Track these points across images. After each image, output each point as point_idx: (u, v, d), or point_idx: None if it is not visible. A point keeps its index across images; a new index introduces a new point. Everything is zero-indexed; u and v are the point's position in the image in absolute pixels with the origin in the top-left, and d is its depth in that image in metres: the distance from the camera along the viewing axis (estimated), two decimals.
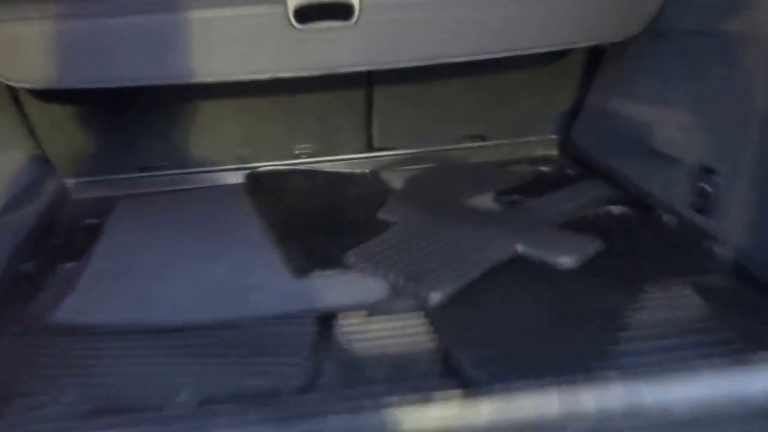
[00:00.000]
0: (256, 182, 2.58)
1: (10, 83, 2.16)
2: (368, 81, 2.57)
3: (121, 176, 2.61)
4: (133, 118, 2.57)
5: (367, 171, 2.66)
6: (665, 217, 2.07)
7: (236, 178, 2.63)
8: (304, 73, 2.16)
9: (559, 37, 2.24)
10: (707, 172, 1.94)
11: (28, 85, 2.19)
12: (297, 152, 2.68)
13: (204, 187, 2.63)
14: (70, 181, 2.60)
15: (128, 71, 2.09)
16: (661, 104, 2.17)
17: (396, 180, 2.53)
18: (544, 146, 2.76)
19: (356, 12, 2.04)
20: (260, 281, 1.78)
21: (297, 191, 2.46)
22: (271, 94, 2.55)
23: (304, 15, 2.03)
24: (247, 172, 2.64)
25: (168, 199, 2.51)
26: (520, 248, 1.86)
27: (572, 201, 2.20)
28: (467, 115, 2.69)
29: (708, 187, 1.94)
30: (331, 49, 2.11)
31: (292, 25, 2.03)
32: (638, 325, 1.55)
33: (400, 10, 2.10)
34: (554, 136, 2.76)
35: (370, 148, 2.71)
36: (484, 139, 2.72)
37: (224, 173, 2.66)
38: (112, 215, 2.32)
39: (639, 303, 1.62)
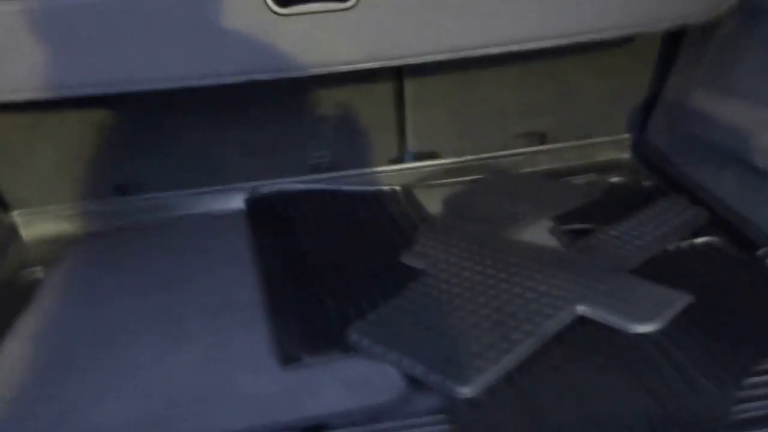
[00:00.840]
0: (258, 209, 2.10)
1: None
2: (397, 73, 2.14)
3: (86, 202, 2.10)
4: (100, 128, 2.08)
5: (398, 187, 2.17)
6: None
7: (235, 201, 2.15)
8: (288, 74, 1.76)
9: (623, 19, 1.81)
10: None
11: None
12: (312, 162, 2.23)
13: (190, 215, 2.13)
14: (18, 214, 2.10)
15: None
16: (761, 104, 1.72)
17: (431, 200, 2.05)
18: (614, 148, 2.30)
19: None
20: (233, 379, 1.36)
21: (307, 222, 2.01)
22: (279, 92, 2.08)
23: None
24: (248, 195, 2.15)
25: (138, 237, 2.02)
26: (581, 309, 1.44)
27: (649, 230, 1.75)
28: (521, 110, 2.25)
29: None
30: (323, 41, 1.72)
31: (271, 10, 1.65)
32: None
33: None
34: (627, 136, 2.30)
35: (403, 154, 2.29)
36: (543, 138, 2.28)
37: (219, 195, 2.16)
38: (58, 266, 1.88)
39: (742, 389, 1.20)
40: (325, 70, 1.78)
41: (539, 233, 1.82)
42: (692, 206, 1.84)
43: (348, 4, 1.68)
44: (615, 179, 2.13)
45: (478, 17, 1.77)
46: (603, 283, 1.50)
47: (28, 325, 1.62)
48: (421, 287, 1.58)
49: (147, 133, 2.10)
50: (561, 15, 1.78)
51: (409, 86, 2.16)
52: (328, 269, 1.73)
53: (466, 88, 2.20)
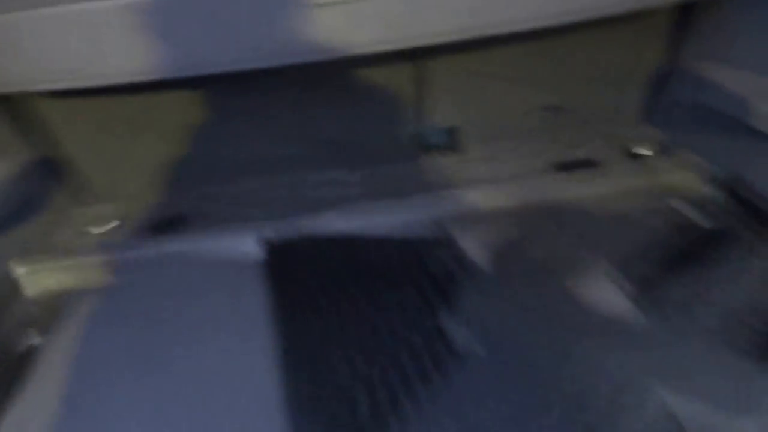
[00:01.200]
0: (277, 254, 1.90)
1: None
2: (417, 54, 2.24)
3: (90, 253, 2.03)
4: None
5: (432, 225, 1.94)
6: None
7: (252, 242, 1.97)
8: (320, 57, 1.87)
9: None
10: None
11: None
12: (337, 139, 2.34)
13: (202, 258, 1.94)
14: (21, 269, 1.99)
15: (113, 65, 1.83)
16: (761, 72, 1.79)
17: (471, 239, 1.82)
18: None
19: None
20: None
21: (329, 275, 1.78)
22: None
23: None
24: (267, 236, 1.99)
25: (145, 289, 1.83)
26: (668, 401, 1.19)
27: (737, 285, 1.49)
28: (538, 84, 2.34)
29: None
30: (350, 26, 1.83)
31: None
32: None
33: None
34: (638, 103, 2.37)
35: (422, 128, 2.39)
36: (560, 108, 2.37)
37: (235, 234, 1.99)
38: (57, 326, 1.75)
39: None
40: (355, 52, 1.90)
41: (601, 290, 1.57)
42: None
43: None
44: (677, 204, 1.89)
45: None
46: (689, 363, 1.27)
47: (29, 394, 1.52)
48: (469, 371, 1.34)
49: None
50: None
51: (430, 65, 2.26)
52: (355, 346, 1.51)
53: (480, 64, 2.28)
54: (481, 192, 1.97)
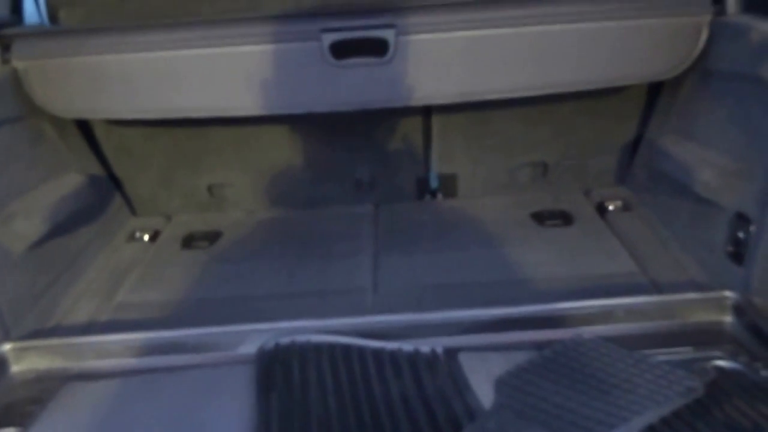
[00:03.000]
0: (269, 364, 1.70)
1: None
2: (426, 111, 2.64)
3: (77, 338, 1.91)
4: None
5: (439, 349, 1.73)
6: None
7: (249, 346, 1.81)
8: (340, 108, 2.26)
9: (604, 75, 2.25)
10: (742, 219, 1.92)
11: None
12: (357, 177, 2.74)
13: (193, 364, 1.78)
14: (8, 347, 1.84)
15: (170, 102, 2.23)
16: (705, 146, 2.15)
17: (480, 376, 1.60)
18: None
19: (391, 48, 2.14)
20: None
21: (321, 393, 1.59)
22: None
23: (339, 51, 2.15)
24: (263, 343, 1.79)
25: (126, 389, 1.68)
26: None
27: None
28: (526, 143, 2.72)
29: (742, 235, 1.92)
30: (367, 85, 2.19)
31: (328, 60, 2.15)
32: None
33: (436, 46, 2.16)
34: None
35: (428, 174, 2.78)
36: (544, 166, 2.74)
37: (231, 336, 1.84)
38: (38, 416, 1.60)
39: None
40: (365, 107, 2.28)
41: None
42: None
43: (385, 59, 2.17)
44: (720, 361, 1.62)
45: (483, 69, 2.23)
46: None
47: None
48: None
49: None
50: (548, 69, 2.23)
51: (435, 121, 2.66)
52: None
53: (480, 123, 2.67)
54: (490, 312, 1.85)
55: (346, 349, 1.74)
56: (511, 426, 1.39)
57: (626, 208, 2.58)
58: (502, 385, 1.53)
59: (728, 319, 1.82)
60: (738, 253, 1.94)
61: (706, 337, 1.76)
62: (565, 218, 2.56)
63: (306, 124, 2.64)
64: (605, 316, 1.84)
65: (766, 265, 1.82)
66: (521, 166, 2.76)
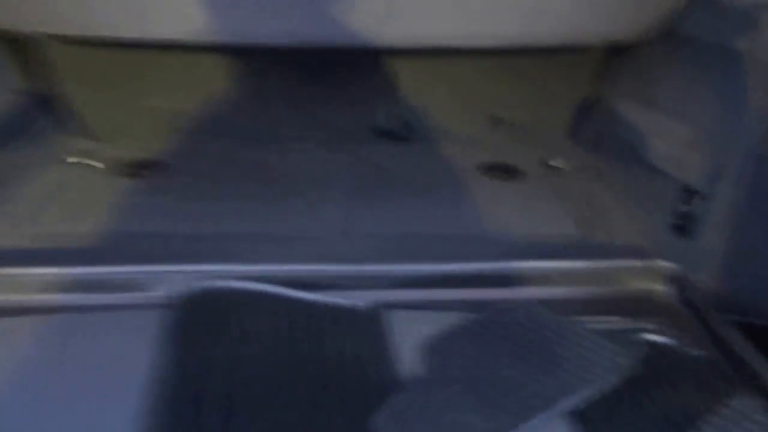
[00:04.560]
0: (189, 308, 1.60)
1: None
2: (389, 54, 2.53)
3: None
4: None
5: (374, 308, 1.66)
6: None
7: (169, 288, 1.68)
8: (293, 43, 2.12)
9: (558, 30, 2.15)
10: (692, 193, 1.88)
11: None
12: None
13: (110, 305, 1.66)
14: None
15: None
16: (662, 114, 2.10)
17: (412, 339, 1.53)
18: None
19: None
20: None
21: (243, 341, 1.50)
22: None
23: None
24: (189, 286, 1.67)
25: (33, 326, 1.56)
26: None
27: None
28: (479, 94, 2.64)
29: (690, 209, 1.89)
30: (318, 20, 2.04)
31: None
32: None
33: None
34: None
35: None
36: (496, 118, 2.66)
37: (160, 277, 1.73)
38: None
39: None
40: (320, 44, 2.14)
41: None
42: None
43: None
44: (653, 335, 1.60)
45: (436, 14, 2.09)
46: None
47: None
48: None
49: None
50: (501, 20, 2.10)
51: (389, 65, 2.55)
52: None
53: (434, 70, 2.57)
54: (425, 268, 1.81)
55: (272, 298, 1.64)
56: (439, 397, 1.34)
57: (574, 167, 2.53)
58: (433, 350, 1.49)
59: (664, 289, 1.81)
60: (682, 227, 1.90)
61: (641, 306, 1.75)
62: (511, 172, 2.49)
63: (256, 57, 2.52)
64: (541, 278, 1.81)
65: (711, 241, 1.79)
66: (473, 116, 2.67)
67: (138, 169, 2.42)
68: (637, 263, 1.85)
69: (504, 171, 2.50)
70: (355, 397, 1.35)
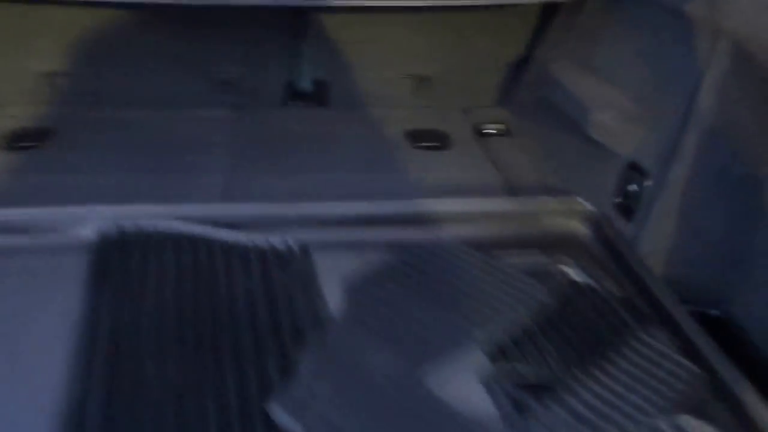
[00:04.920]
0: (109, 249, 1.57)
1: None
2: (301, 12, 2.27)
3: None
4: None
5: (294, 245, 1.63)
6: None
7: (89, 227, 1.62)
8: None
9: None
10: (637, 171, 1.75)
11: None
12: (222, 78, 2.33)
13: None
14: None
15: None
16: (604, 80, 1.94)
17: (333, 278, 1.52)
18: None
19: None
20: None
21: (159, 287, 1.47)
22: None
23: None
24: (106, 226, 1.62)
25: None
26: None
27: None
28: (408, 54, 2.41)
29: (635, 188, 1.75)
30: None
31: None
32: None
33: None
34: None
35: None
36: (425, 80, 2.44)
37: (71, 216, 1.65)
38: None
39: None
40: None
41: (472, 386, 1.25)
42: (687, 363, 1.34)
43: None
44: (570, 271, 1.62)
45: None
46: None
47: None
48: None
49: None
50: None
51: (310, 20, 2.29)
52: (164, 397, 1.20)
53: (359, 28, 2.33)
54: (346, 207, 1.77)
55: (194, 238, 1.62)
56: (356, 343, 1.34)
57: (507, 133, 2.36)
58: (350, 290, 1.49)
59: (584, 229, 1.80)
60: (627, 207, 1.77)
61: (560, 245, 1.74)
62: (440, 139, 2.30)
63: (158, 12, 2.19)
64: (462, 216, 1.79)
65: (660, 226, 1.67)
66: (400, 78, 2.44)
67: (18, 139, 2.10)
68: (557, 202, 1.85)
69: (431, 138, 2.31)
70: (260, 338, 1.36)
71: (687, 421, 1.19)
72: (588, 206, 1.81)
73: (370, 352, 1.31)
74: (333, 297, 1.47)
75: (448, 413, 1.19)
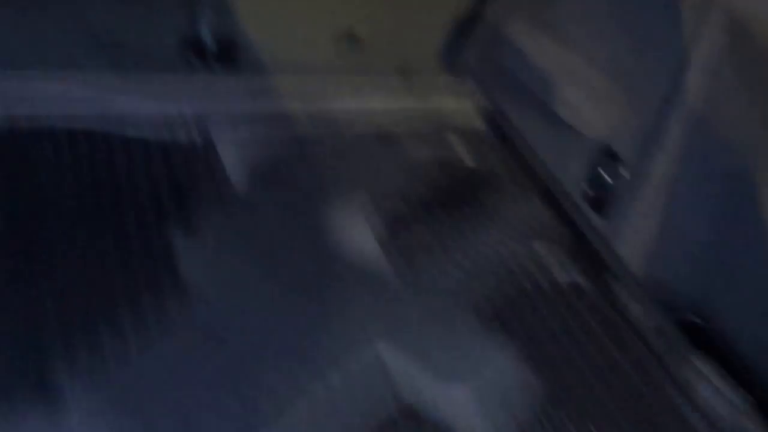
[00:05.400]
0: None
1: None
2: None
3: None
4: None
5: (196, 134, 1.66)
6: (634, 307, 1.51)
7: None
8: None
9: None
10: (610, 156, 1.54)
11: None
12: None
13: None
14: None
15: None
16: (572, 54, 1.70)
17: (233, 158, 1.60)
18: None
19: None
20: None
21: (53, 181, 1.45)
22: None
23: None
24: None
25: None
26: (382, 350, 1.22)
27: (487, 234, 1.57)
28: (336, 10, 2.08)
29: (607, 177, 1.54)
30: None
31: None
32: None
33: None
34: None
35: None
36: (356, 41, 2.13)
37: None
38: None
39: None
40: None
41: (356, 225, 1.51)
42: (540, 205, 1.70)
43: None
44: (451, 138, 1.85)
45: None
46: (419, 321, 1.31)
47: None
48: (190, 307, 1.21)
49: None
50: None
51: None
52: (61, 263, 1.26)
53: None
54: (251, 91, 1.80)
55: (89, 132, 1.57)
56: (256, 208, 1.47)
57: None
58: (251, 168, 1.58)
59: (468, 104, 1.98)
60: (599, 201, 1.57)
61: (448, 117, 1.90)
62: None
63: None
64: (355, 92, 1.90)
65: (638, 225, 1.47)
66: (326, 38, 2.11)
67: None
68: (444, 78, 1.98)
69: None
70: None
71: None
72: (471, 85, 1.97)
73: (280, 206, 1.50)
74: (233, 168, 1.57)
75: (332, 246, 1.42)
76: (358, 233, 1.49)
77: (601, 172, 1.56)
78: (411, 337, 1.27)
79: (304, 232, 1.46)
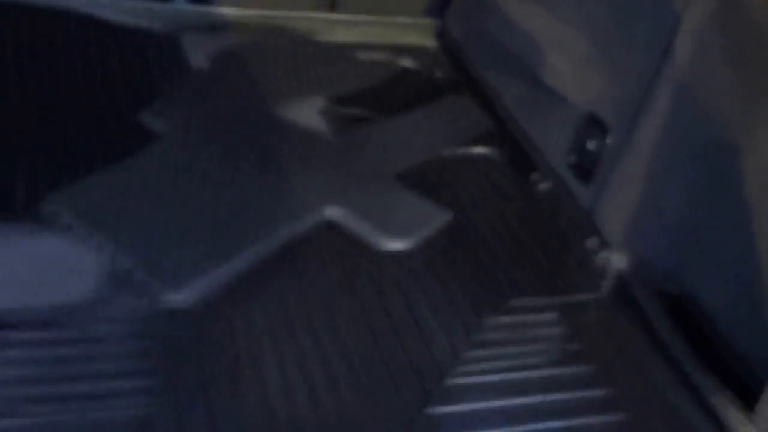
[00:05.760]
0: None
1: None
2: None
3: None
4: None
5: (163, 28, 1.83)
6: (543, 185, 1.60)
7: None
8: None
9: None
10: (595, 125, 1.50)
11: None
12: None
13: None
14: None
15: None
16: (559, 19, 1.65)
17: (199, 51, 1.76)
18: (419, 32, 2.13)
19: None
20: None
21: (32, 47, 1.62)
22: None
23: None
24: None
25: None
26: (329, 213, 1.33)
27: (429, 130, 1.68)
28: None
29: (592, 146, 1.51)
30: None
31: None
32: (472, 362, 1.13)
33: None
34: (432, 21, 2.14)
35: None
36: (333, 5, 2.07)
37: None
38: None
39: (479, 330, 1.20)
40: None
41: (308, 114, 1.64)
42: (479, 109, 1.79)
43: None
44: (407, 63, 1.97)
45: None
46: (362, 187, 1.43)
47: None
48: (149, 158, 1.35)
49: None
50: None
51: None
52: (35, 114, 1.41)
53: None
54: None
55: (63, 13, 1.72)
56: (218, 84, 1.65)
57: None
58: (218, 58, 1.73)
59: (431, 43, 2.06)
60: (584, 168, 1.53)
61: (411, 53, 2.00)
62: None
63: None
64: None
65: (620, 191, 1.44)
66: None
67: None
68: (408, 20, 2.09)
69: None
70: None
71: None
72: (436, 22, 2.08)
73: (236, 91, 1.65)
74: (199, 62, 1.72)
75: (285, 122, 1.57)
76: (310, 118, 1.63)
77: (587, 139, 1.53)
78: (356, 202, 1.39)
79: (263, 113, 1.59)
